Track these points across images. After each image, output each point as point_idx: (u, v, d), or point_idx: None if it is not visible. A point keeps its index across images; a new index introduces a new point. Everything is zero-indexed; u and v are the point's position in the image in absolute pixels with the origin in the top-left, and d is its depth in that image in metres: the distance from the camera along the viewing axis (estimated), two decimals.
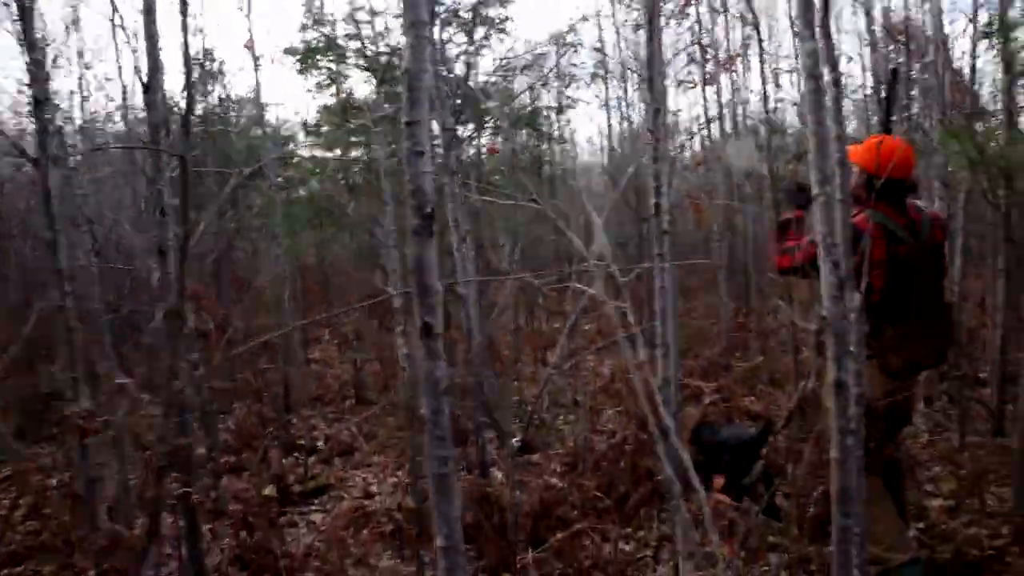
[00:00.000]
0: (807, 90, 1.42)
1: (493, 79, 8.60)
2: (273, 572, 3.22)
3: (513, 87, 8.67)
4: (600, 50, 9.04)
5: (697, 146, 10.10)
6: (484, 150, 8.58)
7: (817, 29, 1.36)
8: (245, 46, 7.07)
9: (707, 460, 3.38)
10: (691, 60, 8.00)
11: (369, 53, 7.11)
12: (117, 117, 8.61)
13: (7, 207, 7.42)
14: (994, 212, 4.27)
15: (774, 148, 9.98)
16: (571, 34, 8.28)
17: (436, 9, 4.14)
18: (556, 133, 10.19)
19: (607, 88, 10.46)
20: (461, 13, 9.31)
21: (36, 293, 6.05)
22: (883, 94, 3.39)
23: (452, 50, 7.65)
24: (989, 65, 6.10)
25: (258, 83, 7.20)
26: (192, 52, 2.93)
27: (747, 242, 8.05)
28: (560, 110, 9.58)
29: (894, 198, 2.78)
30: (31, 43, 3.24)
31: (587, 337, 7.22)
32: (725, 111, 8.76)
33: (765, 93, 4.21)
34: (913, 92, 5.96)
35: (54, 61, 6.69)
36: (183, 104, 3.56)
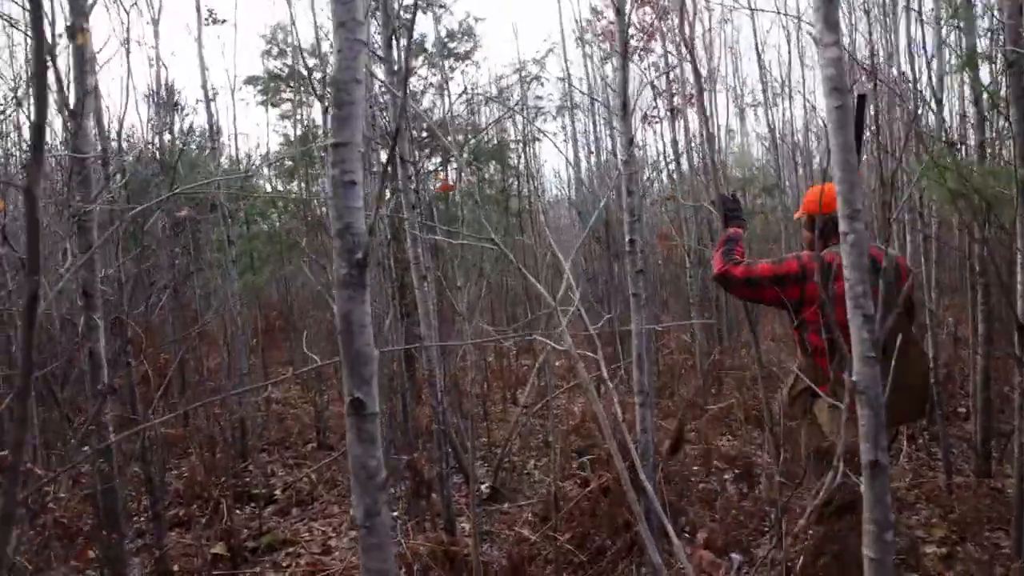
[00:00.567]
0: (831, 107, 1.20)
1: (459, 111, 8.48)
2: None
3: (479, 120, 8.57)
4: (567, 80, 8.96)
5: (666, 180, 10.05)
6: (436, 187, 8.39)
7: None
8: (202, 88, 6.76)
9: None
10: (657, 93, 7.97)
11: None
12: None
13: None
14: (971, 244, 4.19)
15: (739, 182, 9.98)
16: (537, 66, 8.21)
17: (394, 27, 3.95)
18: (522, 167, 10.09)
19: (572, 121, 10.42)
20: (427, 46, 9.24)
21: None
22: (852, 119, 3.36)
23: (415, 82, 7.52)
24: (955, 98, 6.12)
25: (210, 114, 6.83)
26: (153, 83, 2.70)
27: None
28: (526, 143, 9.48)
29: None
30: None
31: (557, 373, 7.00)
32: (693, 145, 8.71)
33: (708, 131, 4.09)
34: (880, 124, 5.94)
35: None
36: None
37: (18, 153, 6.36)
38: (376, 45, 4.47)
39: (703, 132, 6.30)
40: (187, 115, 9.98)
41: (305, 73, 6.02)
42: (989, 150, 4.38)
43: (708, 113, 8.24)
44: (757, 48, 8.67)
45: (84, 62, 2.65)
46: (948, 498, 3.82)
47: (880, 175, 4.93)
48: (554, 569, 3.27)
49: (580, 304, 1.92)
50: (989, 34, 4.09)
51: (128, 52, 2.62)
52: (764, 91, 9.00)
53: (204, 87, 6.67)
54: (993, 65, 4.09)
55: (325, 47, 6.92)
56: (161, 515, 4.37)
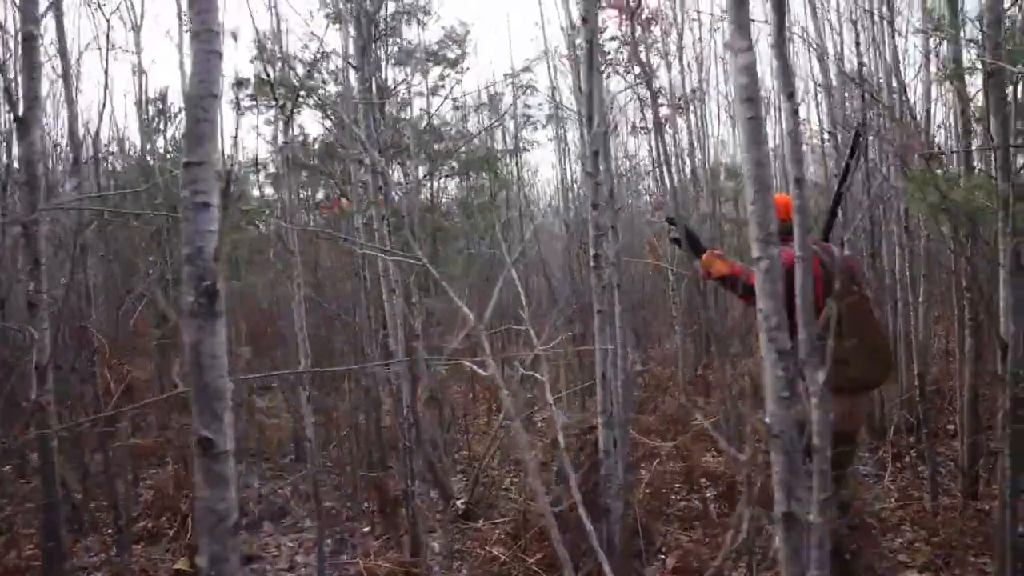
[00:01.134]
0: (743, 117, 1.06)
1: (449, 119, 8.41)
2: None
3: (468, 128, 8.49)
4: (554, 89, 8.89)
5: (655, 190, 9.97)
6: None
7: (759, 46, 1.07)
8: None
9: None
10: (642, 104, 7.89)
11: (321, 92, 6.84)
12: None
13: None
14: (956, 259, 4.09)
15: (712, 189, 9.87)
16: (527, 73, 8.14)
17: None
18: (512, 175, 10.00)
19: (562, 130, 10.33)
20: (416, 54, 9.16)
21: None
22: (846, 154, 3.32)
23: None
24: (942, 110, 6.03)
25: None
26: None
27: (705, 287, 7.82)
28: (515, 152, 9.40)
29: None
30: None
31: (539, 387, 6.88)
32: (684, 153, 8.63)
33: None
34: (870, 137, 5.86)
35: None
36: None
37: None
38: (351, 55, 4.39)
39: (660, 155, 6.23)
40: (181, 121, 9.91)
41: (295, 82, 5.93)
42: (976, 163, 4.29)
43: (697, 124, 8.16)
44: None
45: (33, 69, 2.57)
46: (933, 520, 3.71)
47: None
48: None
49: (558, 318, 1.82)
50: (972, 45, 4.01)
51: (107, 62, 2.55)
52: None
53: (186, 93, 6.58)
54: (970, 76, 4.00)
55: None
56: (124, 529, 4.26)
